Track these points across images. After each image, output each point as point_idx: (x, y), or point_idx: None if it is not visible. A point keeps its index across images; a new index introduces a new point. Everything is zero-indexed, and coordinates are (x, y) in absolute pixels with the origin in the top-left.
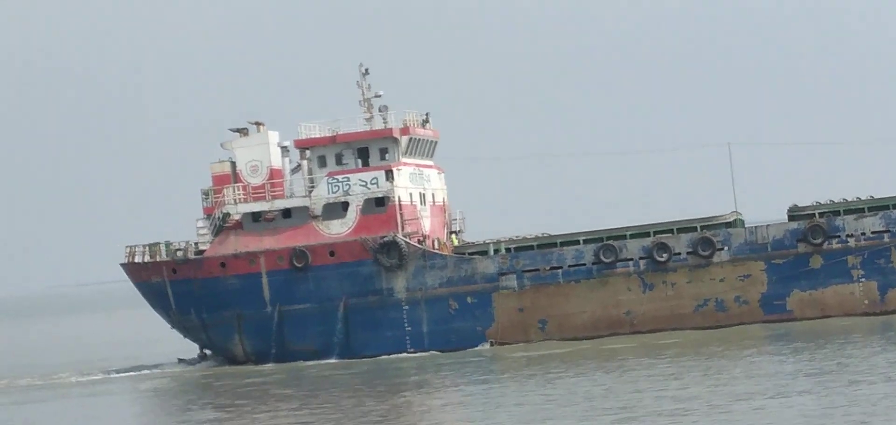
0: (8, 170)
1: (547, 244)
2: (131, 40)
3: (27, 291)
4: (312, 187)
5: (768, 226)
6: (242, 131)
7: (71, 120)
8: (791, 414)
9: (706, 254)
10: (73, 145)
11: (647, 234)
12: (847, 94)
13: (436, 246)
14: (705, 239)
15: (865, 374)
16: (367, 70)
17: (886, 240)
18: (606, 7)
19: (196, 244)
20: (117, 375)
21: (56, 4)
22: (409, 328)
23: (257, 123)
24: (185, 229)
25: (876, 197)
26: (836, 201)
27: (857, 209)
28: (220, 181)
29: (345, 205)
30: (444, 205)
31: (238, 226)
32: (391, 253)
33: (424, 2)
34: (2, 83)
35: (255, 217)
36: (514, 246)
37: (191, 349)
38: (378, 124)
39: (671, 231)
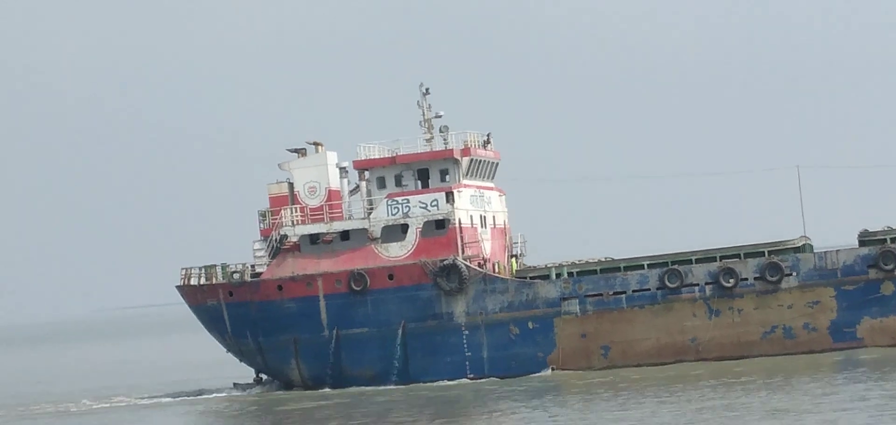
0: (63, 192)
1: (610, 268)
2: (190, 62)
3: (82, 313)
4: (371, 209)
5: (838, 251)
6: (301, 152)
7: (128, 141)
8: None
9: (774, 279)
10: (131, 166)
11: (714, 259)
12: None
13: (496, 270)
14: (773, 264)
15: None
16: (427, 90)
17: None
18: (672, 27)
19: (253, 266)
20: (170, 400)
21: (112, 28)
22: (469, 353)
23: (316, 144)
24: (242, 251)
25: None
26: None
27: None
28: (278, 203)
29: (404, 228)
30: (505, 228)
31: (295, 248)
32: (451, 276)
33: (486, 21)
34: (57, 105)
35: (313, 239)
36: (576, 270)
37: (246, 373)
38: (438, 145)
39: (738, 256)
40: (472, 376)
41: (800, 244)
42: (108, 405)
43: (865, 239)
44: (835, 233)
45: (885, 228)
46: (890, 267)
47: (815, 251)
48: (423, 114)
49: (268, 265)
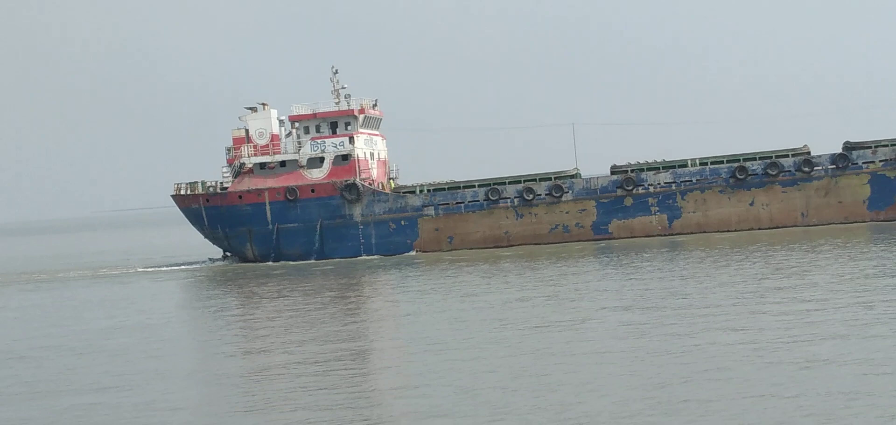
0: (91, 116)
1: (454, 187)
2: (205, 32)
3: (98, 211)
4: (300, 147)
5: (598, 177)
6: (253, 109)
7: (141, 91)
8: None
9: (557, 195)
10: (143, 111)
11: (519, 182)
12: (658, 80)
13: (381, 187)
14: (557, 185)
15: (655, 273)
16: (336, 70)
17: (673, 187)
18: (490, 19)
19: (222, 183)
20: (168, 269)
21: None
22: (363, 241)
23: (263, 104)
24: (215, 172)
25: (668, 160)
26: (642, 162)
27: (655, 167)
28: (239, 142)
29: (321, 160)
30: (385, 161)
31: (250, 171)
32: (352, 191)
33: (385, 18)
34: (93, 63)
35: (262, 166)
36: (432, 188)
37: (217, 252)
38: (344, 106)
39: (535, 180)
40: (364, 255)
41: (573, 173)
42: (127, 270)
43: (615, 170)
44: (595, 165)
45: (627, 164)
46: (630, 188)
47: (583, 177)
48: (334, 86)
49: (232, 182)
